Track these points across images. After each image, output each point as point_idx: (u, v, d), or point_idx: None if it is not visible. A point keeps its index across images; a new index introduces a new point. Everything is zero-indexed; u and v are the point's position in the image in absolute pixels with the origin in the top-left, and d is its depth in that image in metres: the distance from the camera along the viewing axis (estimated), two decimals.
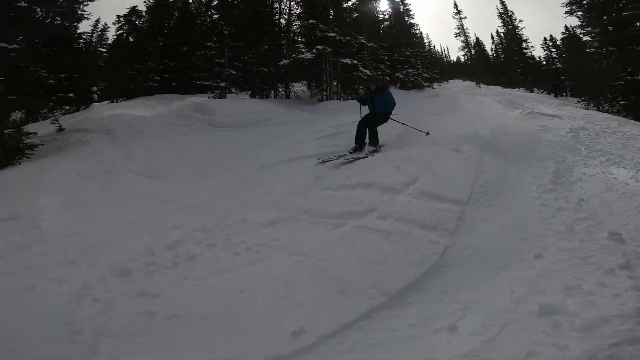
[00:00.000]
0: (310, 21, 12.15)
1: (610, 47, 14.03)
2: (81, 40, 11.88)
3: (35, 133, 7.04)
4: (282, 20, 15.27)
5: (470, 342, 1.97)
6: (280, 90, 14.27)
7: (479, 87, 21.47)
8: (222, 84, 11.78)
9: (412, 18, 21.93)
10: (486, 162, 4.66)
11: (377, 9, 18.91)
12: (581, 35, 16.51)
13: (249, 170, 5.80)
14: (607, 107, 13.36)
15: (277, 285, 2.62)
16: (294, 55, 11.92)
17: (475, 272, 2.60)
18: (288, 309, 2.41)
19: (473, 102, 12.13)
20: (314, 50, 11.53)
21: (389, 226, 3.13)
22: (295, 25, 15.15)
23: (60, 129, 8.54)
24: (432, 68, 22.79)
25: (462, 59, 34.19)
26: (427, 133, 5.99)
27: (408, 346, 2.09)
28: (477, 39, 37.06)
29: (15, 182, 5.42)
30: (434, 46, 45.94)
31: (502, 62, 30.31)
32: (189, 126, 8.63)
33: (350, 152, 5.68)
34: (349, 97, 12.65)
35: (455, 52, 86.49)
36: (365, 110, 6.32)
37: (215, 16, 13.80)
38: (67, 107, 10.82)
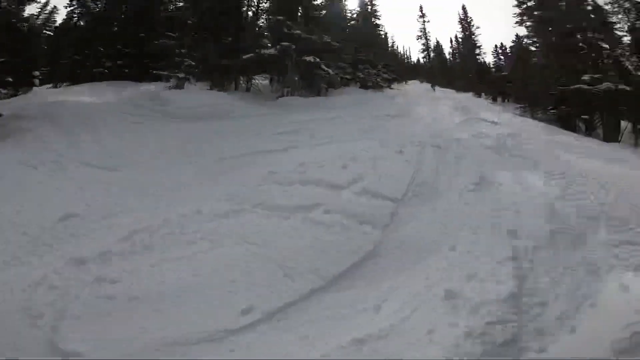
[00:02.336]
0: (278, 17, 12.22)
1: (549, 57, 15.25)
2: (25, 23, 10.88)
3: None
4: (250, 13, 15.12)
5: (389, 319, 2.44)
6: (242, 83, 14.20)
7: (434, 90, 22.64)
8: (180, 75, 11.54)
9: (379, 19, 22.68)
10: (425, 163, 5.23)
11: (346, 7, 19.37)
12: (528, 45, 17.96)
13: (205, 163, 5.92)
14: (540, 115, 14.77)
15: (230, 270, 2.92)
16: (257, 50, 11.94)
17: (400, 261, 3.07)
18: (239, 290, 2.74)
19: (426, 105, 12.94)
20: (278, 47, 11.63)
21: (332, 219, 3.53)
22: (262, 19, 15.10)
23: None
24: (393, 69, 23.64)
25: (422, 61, 35.63)
26: None
27: (338, 321, 2.50)
28: (438, 42, 38.79)
29: None
30: (397, 47, 47.25)
31: (458, 66, 32.09)
32: (142, 115, 8.43)
33: None
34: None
35: (416, 53, 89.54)
36: None
37: (181, 4, 13.34)
38: (5, 91, 10.04)
